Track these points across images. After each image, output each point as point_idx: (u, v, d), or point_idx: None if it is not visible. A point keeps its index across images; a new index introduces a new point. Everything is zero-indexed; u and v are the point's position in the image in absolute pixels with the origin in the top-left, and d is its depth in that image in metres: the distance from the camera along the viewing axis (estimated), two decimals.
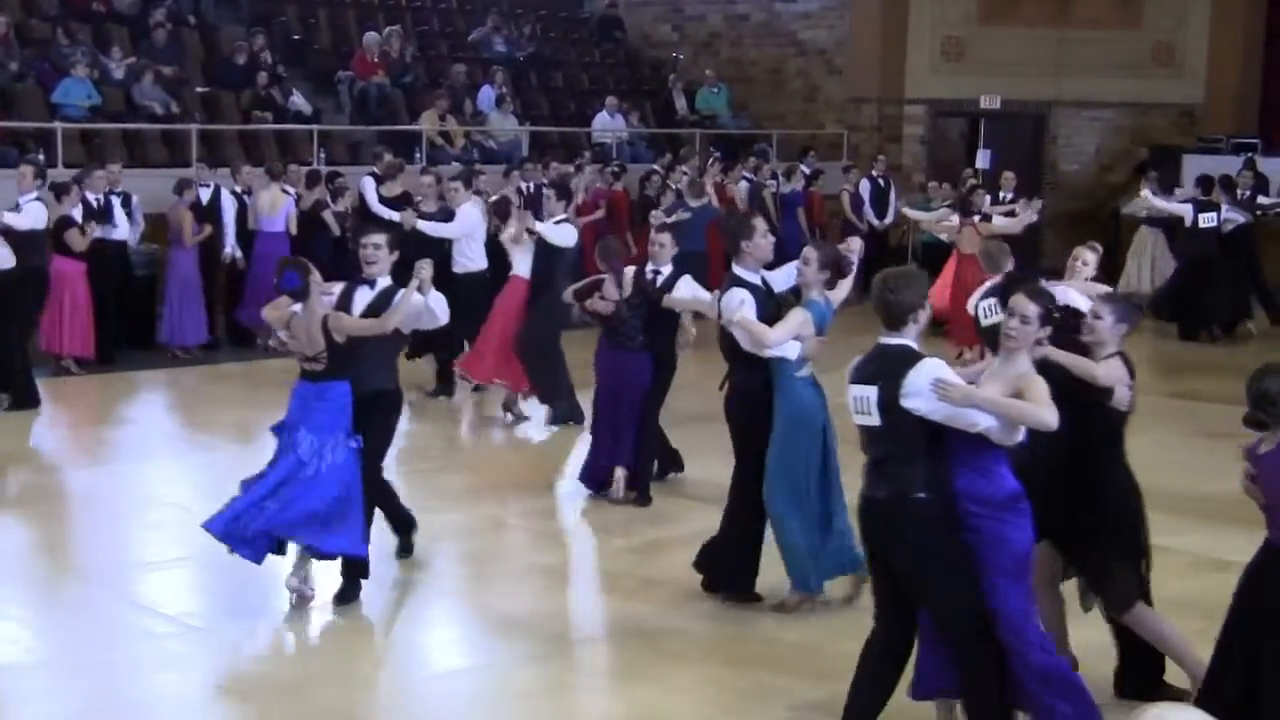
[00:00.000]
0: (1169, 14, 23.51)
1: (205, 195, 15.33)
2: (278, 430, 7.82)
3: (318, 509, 7.58)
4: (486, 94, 20.80)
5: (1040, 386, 5.70)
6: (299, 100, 19.15)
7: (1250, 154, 21.24)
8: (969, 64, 23.11)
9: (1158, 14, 23.53)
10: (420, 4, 23.62)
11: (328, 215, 15.55)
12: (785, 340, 7.54)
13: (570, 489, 10.28)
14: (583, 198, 17.36)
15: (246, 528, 7.57)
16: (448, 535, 9.18)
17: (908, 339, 5.79)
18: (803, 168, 19.81)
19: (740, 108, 24.34)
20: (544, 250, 11.88)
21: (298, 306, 7.71)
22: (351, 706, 6.74)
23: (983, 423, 5.60)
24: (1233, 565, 6.21)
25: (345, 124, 19.64)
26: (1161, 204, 17.89)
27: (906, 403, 5.63)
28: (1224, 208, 17.58)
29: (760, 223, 8.02)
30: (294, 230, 15.52)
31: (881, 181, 20.39)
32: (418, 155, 18.65)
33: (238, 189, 15.76)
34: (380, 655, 7.50)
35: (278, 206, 15.55)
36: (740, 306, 7.64)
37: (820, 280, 7.69)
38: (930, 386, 5.58)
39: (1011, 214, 15.27)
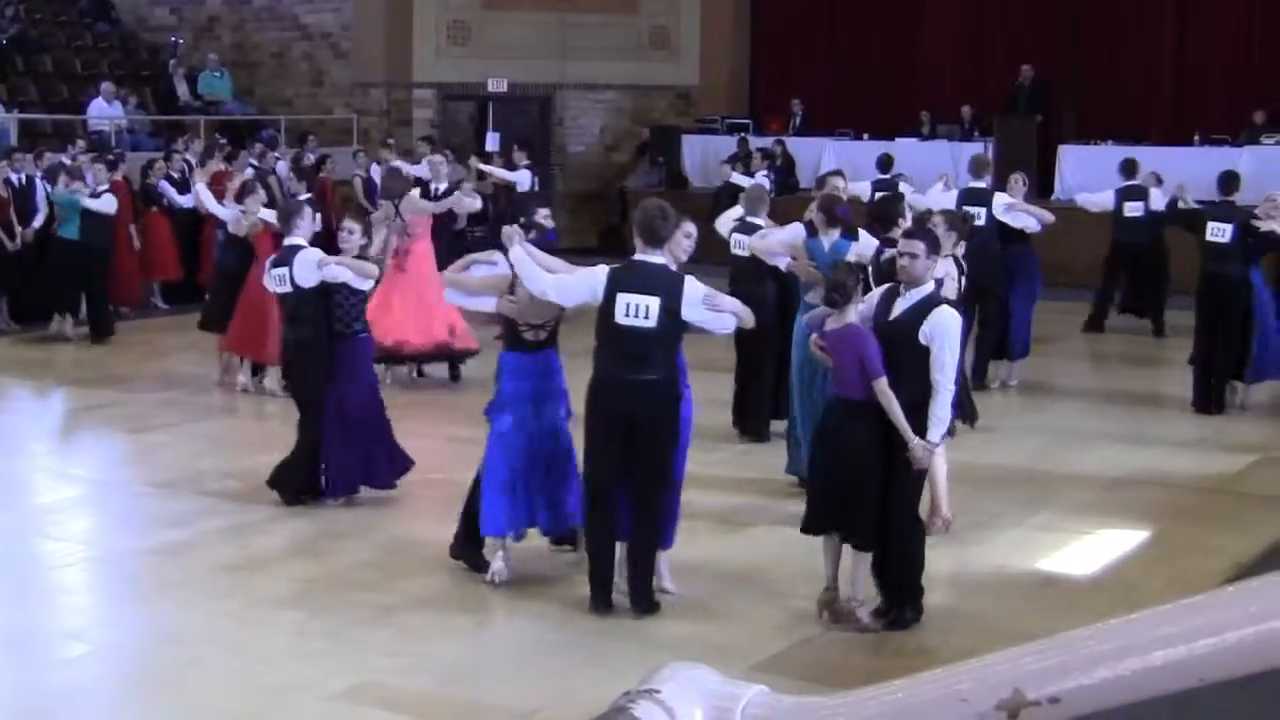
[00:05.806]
0: (663, 0, 24.45)
1: None
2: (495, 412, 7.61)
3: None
4: None
5: None
6: None
7: (744, 134, 22.38)
8: (475, 47, 23.34)
9: (653, 0, 24.43)
10: None
11: None
12: None
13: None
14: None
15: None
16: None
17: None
18: (309, 154, 19.51)
19: (246, 93, 23.77)
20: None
21: (502, 268, 7.49)
22: None
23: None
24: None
25: None
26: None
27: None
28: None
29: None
30: None
31: None
32: None
33: None
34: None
35: None
36: None
37: None
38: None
39: None
